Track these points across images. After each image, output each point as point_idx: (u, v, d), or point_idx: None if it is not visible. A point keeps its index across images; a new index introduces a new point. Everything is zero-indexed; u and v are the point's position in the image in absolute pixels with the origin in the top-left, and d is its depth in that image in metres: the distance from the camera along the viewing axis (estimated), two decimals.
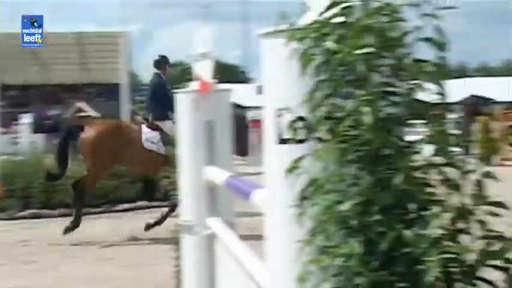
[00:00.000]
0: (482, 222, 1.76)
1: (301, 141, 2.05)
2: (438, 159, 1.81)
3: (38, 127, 23.94)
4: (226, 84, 12.21)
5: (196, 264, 4.47)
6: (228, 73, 58.37)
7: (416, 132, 1.87)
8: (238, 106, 17.69)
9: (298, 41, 1.93)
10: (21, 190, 12.63)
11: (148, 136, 10.71)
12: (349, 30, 1.82)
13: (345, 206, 1.76)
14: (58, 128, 18.96)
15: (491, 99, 32.13)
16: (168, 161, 10.02)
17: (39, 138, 21.17)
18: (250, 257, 3.02)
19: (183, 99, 4.62)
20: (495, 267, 1.74)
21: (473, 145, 20.10)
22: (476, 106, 25.24)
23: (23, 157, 14.53)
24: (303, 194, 1.92)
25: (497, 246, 1.74)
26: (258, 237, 2.62)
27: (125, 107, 25.15)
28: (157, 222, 10.21)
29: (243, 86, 40.64)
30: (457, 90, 26.33)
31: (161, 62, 11.23)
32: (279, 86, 2.19)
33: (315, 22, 1.90)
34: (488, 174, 1.76)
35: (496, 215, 1.76)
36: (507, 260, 1.72)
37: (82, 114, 22.39)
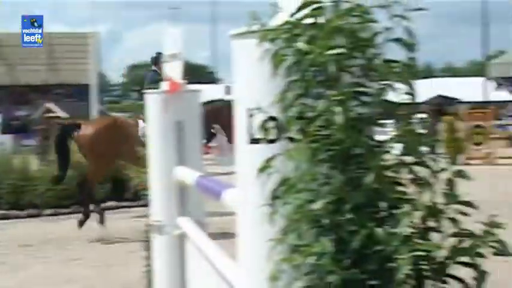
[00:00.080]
0: (453, 220, 1.79)
1: (272, 141, 2.05)
2: (408, 159, 1.83)
3: (6, 127, 23.78)
4: (195, 84, 12.21)
5: (167, 264, 4.47)
6: (196, 73, 58.13)
7: (385, 132, 1.89)
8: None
9: (269, 42, 1.94)
10: None
11: (145, 130, 10.72)
12: (320, 31, 1.84)
13: (317, 205, 1.77)
14: (26, 128, 18.86)
15: (457, 99, 32.42)
16: None
17: (8, 138, 21.03)
18: (221, 256, 3.02)
19: (152, 100, 4.61)
20: (465, 264, 1.77)
21: (440, 145, 20.23)
22: (442, 106, 25.45)
23: None
24: (274, 193, 1.93)
25: (467, 243, 1.77)
26: (229, 236, 2.62)
27: (94, 107, 25.04)
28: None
29: (212, 87, 40.63)
30: (424, 90, 26.55)
31: (158, 59, 11.22)
32: (251, 86, 2.19)
33: (287, 23, 1.91)
34: (459, 173, 1.78)
35: (465, 214, 1.79)
36: (478, 254, 1.75)
37: (51, 114, 22.20)
